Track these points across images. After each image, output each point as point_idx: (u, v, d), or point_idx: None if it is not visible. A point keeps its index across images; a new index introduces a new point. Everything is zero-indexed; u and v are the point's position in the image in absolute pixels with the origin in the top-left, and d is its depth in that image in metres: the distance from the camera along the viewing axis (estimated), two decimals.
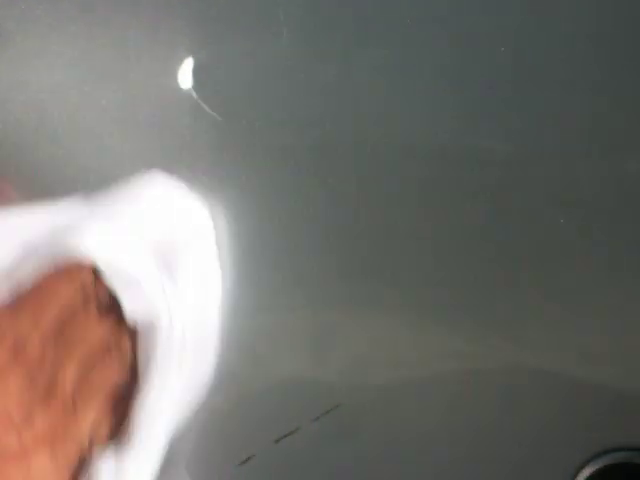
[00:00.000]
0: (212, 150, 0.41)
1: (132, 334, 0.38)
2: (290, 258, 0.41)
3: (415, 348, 0.40)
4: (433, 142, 0.38)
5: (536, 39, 0.37)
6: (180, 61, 0.40)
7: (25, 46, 0.42)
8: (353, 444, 0.42)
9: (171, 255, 0.38)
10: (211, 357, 0.39)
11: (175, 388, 0.37)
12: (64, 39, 0.41)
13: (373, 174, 0.39)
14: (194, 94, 0.40)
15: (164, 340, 0.37)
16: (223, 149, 0.41)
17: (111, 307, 0.38)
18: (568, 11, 0.37)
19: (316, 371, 0.41)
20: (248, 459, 0.42)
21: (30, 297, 0.38)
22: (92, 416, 0.38)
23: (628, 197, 0.38)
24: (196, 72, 0.40)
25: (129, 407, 0.37)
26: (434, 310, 0.40)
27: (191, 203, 0.40)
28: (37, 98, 0.42)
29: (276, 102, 0.40)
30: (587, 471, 0.39)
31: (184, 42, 0.40)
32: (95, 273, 0.38)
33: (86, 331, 0.38)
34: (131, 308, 0.37)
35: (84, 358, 0.38)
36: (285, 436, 0.42)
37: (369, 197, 0.40)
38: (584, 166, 0.38)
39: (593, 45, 0.37)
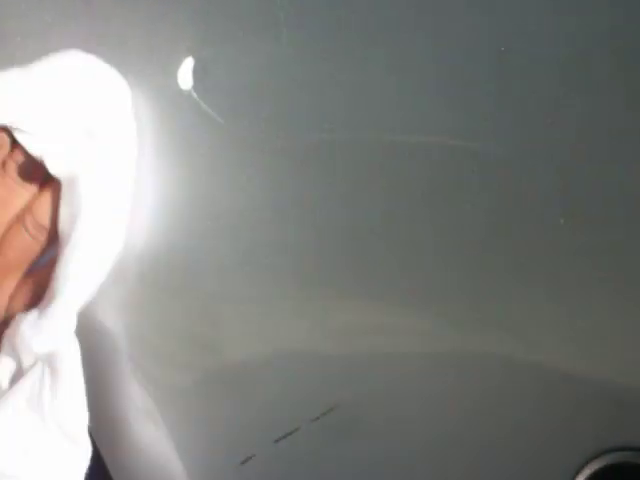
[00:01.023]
0: (212, 150, 0.41)
1: (52, 195, 0.38)
2: (289, 257, 0.41)
3: (416, 348, 0.40)
4: (433, 142, 0.38)
5: (537, 39, 0.37)
6: (180, 61, 0.40)
7: (25, 46, 0.42)
8: (353, 444, 0.42)
9: (89, 119, 0.38)
10: (125, 217, 0.39)
11: (93, 248, 0.38)
12: (64, 39, 0.41)
13: (372, 174, 0.39)
14: (194, 94, 0.40)
15: (84, 198, 0.37)
16: (223, 149, 0.41)
17: (29, 170, 0.38)
18: (567, 11, 0.37)
19: (315, 371, 0.42)
20: (248, 459, 0.42)
21: None
22: (8, 289, 0.39)
23: (625, 197, 0.38)
24: (196, 72, 0.40)
25: (49, 273, 0.38)
26: (434, 309, 0.40)
27: (110, 76, 0.40)
28: None
29: (276, 102, 0.40)
30: (587, 471, 0.39)
31: (184, 42, 0.40)
32: (12, 136, 0.38)
33: (1, 202, 0.38)
34: (52, 167, 0.38)
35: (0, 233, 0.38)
36: (285, 436, 0.42)
37: (368, 197, 0.40)
38: (582, 166, 0.38)
39: (592, 45, 0.37)
